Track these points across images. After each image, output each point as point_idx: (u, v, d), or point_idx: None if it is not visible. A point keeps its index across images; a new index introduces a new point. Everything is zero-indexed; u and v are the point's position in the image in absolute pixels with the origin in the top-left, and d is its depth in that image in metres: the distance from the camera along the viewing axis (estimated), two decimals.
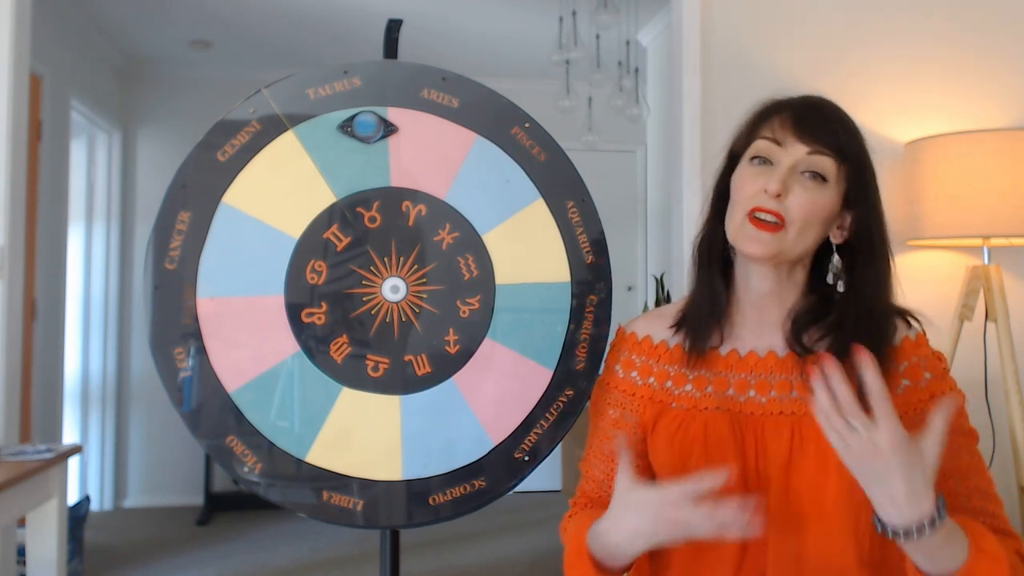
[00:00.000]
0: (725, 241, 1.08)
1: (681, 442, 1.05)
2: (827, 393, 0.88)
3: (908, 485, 0.85)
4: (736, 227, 1.04)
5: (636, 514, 0.94)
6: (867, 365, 0.87)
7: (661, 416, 1.09)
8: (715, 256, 1.10)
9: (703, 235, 1.12)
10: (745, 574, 1.02)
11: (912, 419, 1.01)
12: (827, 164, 1.01)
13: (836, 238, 1.05)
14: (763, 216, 1.01)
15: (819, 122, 1.03)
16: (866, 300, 1.03)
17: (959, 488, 1.02)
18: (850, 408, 0.87)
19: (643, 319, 1.19)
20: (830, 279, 1.06)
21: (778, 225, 1.01)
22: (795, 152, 1.02)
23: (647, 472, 1.14)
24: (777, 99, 1.08)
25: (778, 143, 1.03)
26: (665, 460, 1.07)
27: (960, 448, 1.02)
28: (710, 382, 1.08)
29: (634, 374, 1.14)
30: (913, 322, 1.07)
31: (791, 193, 1.01)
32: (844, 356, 0.99)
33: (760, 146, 1.04)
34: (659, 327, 1.15)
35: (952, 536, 0.88)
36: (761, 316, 1.09)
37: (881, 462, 0.86)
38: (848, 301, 1.04)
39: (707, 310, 1.09)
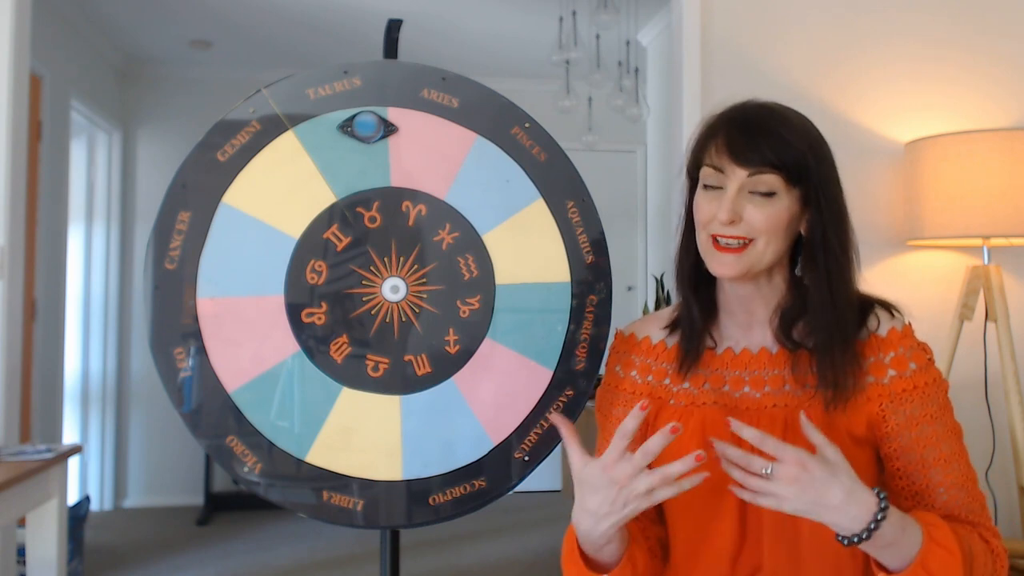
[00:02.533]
0: (699, 255, 1.11)
1: (680, 435, 1.07)
2: (734, 463, 0.93)
3: (842, 488, 0.89)
4: (704, 249, 1.07)
5: (591, 491, 0.95)
6: (739, 426, 0.93)
7: (660, 412, 1.13)
8: (687, 273, 1.13)
9: (679, 253, 1.15)
10: (743, 561, 1.05)
11: (896, 407, 1.04)
12: (770, 180, 1.02)
13: (804, 231, 1.07)
14: (724, 241, 1.04)
15: (752, 142, 1.03)
16: (826, 291, 1.05)
17: (939, 480, 1.04)
18: (747, 459, 0.92)
19: (640, 322, 1.22)
20: (798, 271, 1.09)
21: (742, 246, 1.04)
22: (737, 177, 1.03)
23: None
24: (711, 119, 1.09)
25: (720, 170, 1.04)
26: (664, 453, 1.08)
27: (940, 440, 1.04)
28: (707, 379, 1.11)
29: (633, 373, 1.17)
30: (897, 314, 1.10)
31: (745, 213, 1.03)
32: (825, 353, 1.04)
33: (706, 173, 1.07)
34: (656, 328, 1.18)
35: (905, 523, 0.92)
36: (750, 317, 1.12)
37: (807, 484, 0.89)
38: (812, 293, 1.06)
39: (688, 327, 1.13)
